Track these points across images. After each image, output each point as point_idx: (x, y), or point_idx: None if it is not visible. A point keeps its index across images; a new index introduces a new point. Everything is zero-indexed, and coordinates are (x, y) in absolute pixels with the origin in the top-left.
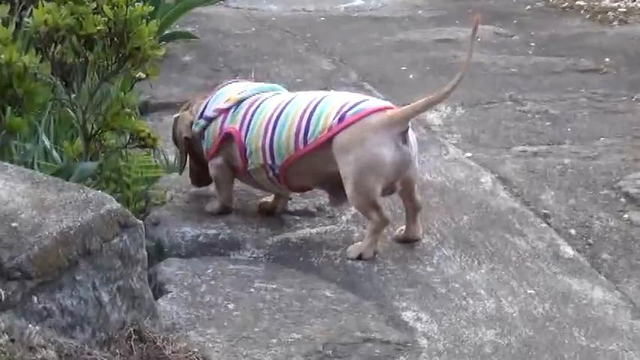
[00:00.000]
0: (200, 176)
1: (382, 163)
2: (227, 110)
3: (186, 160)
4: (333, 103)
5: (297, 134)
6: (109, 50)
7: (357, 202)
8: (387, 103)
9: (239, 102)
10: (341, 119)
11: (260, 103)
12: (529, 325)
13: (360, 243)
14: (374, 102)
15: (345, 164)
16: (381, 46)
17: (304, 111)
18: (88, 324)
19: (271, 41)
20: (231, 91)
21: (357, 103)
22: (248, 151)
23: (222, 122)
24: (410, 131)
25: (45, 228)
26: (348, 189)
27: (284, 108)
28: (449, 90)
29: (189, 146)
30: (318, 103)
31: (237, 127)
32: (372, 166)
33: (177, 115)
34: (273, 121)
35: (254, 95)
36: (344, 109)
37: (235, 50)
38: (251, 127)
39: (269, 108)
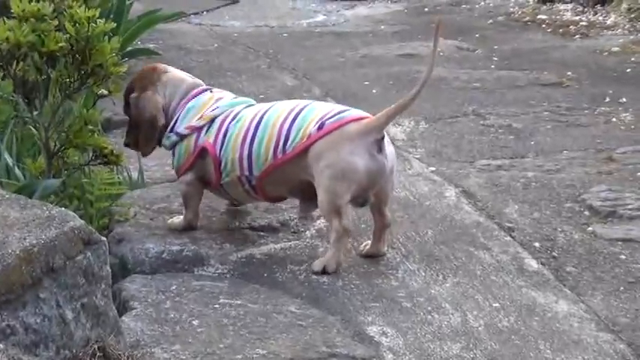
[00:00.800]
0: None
1: (355, 170)
2: (200, 128)
3: (155, 143)
4: (315, 112)
5: (276, 143)
6: (71, 67)
7: (323, 207)
8: (368, 114)
9: (212, 119)
10: (320, 127)
11: (235, 115)
12: (494, 338)
13: (323, 257)
14: (355, 112)
15: (319, 171)
16: (344, 61)
17: (284, 120)
18: (52, 342)
19: (234, 57)
20: (201, 106)
21: (339, 113)
22: (223, 164)
23: (196, 139)
24: (386, 141)
25: (8, 245)
26: (320, 195)
27: (262, 118)
28: (417, 91)
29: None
30: (300, 112)
31: (211, 140)
32: (345, 172)
33: (135, 94)
34: (251, 131)
35: (227, 110)
36: (325, 118)
37: (198, 66)
38: (227, 139)
39: (245, 119)
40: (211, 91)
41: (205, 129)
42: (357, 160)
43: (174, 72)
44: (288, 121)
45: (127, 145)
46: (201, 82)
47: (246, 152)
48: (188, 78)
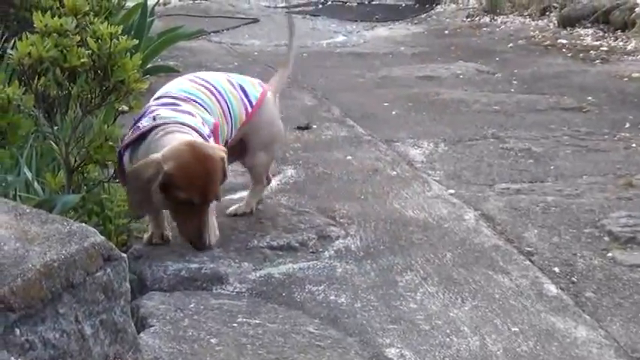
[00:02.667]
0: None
1: (282, 131)
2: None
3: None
4: (243, 78)
5: (244, 104)
6: (93, 83)
7: (262, 163)
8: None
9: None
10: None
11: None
12: None
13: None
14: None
15: (258, 132)
16: (363, 82)
17: (233, 87)
18: (70, 357)
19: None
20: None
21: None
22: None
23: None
24: None
25: (28, 260)
26: (258, 153)
27: (216, 88)
28: (290, 57)
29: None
30: (232, 79)
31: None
32: (279, 134)
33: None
34: (221, 99)
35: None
36: (255, 83)
37: None
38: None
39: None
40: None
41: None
42: (281, 123)
43: None
44: (238, 89)
45: None
46: None
47: (229, 117)
48: None
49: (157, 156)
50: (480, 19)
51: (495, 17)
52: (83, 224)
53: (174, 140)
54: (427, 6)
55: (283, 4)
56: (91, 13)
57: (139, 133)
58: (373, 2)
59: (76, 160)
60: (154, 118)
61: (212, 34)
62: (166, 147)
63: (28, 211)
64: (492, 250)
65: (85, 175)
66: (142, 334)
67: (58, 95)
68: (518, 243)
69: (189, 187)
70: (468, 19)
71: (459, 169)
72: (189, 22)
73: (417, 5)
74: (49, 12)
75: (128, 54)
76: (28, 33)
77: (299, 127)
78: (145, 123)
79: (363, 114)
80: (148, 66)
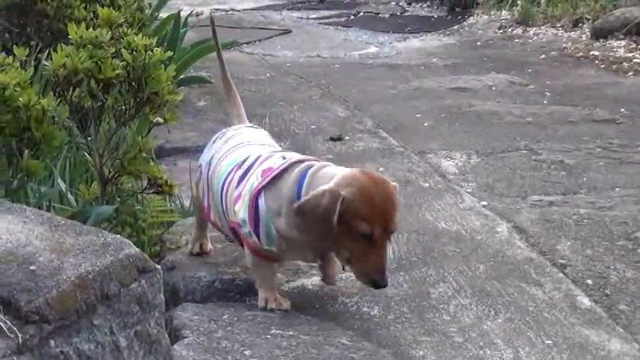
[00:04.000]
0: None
1: None
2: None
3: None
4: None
5: None
6: (127, 95)
7: None
8: None
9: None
10: None
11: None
12: None
13: None
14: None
15: None
16: (396, 93)
17: None
18: None
19: (286, 87)
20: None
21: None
22: None
23: None
24: None
25: (63, 272)
26: None
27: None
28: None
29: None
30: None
31: None
32: None
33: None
34: None
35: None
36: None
37: (250, 96)
38: None
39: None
40: None
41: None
42: None
43: None
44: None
45: None
46: None
47: None
48: None
49: (328, 185)
50: (512, 31)
51: (528, 29)
52: (118, 236)
53: (336, 172)
54: (459, 17)
55: (315, 16)
56: (125, 24)
57: (275, 174)
58: (405, 13)
59: (110, 172)
60: (284, 157)
61: (244, 45)
62: (334, 178)
63: (62, 222)
64: (525, 263)
65: (119, 186)
66: (175, 346)
67: (92, 106)
68: (552, 255)
69: (370, 216)
70: (500, 31)
71: (491, 180)
72: (222, 33)
73: (449, 17)
74: (83, 23)
75: (162, 65)
76: (62, 44)
77: (331, 139)
78: (273, 164)
79: (395, 125)
80: (181, 77)
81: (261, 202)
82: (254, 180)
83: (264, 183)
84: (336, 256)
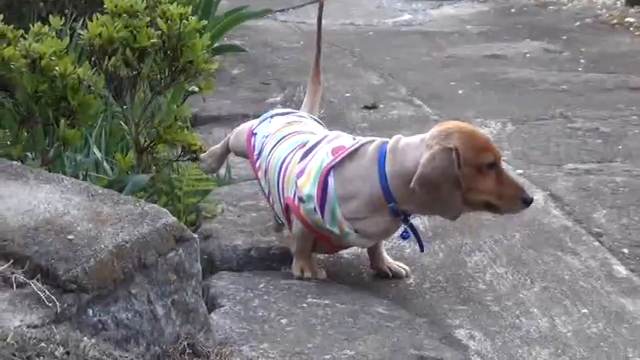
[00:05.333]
0: None
1: None
2: None
3: None
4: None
5: None
6: (162, 64)
7: None
8: None
9: None
10: None
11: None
12: (583, 344)
13: None
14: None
15: None
16: (430, 61)
17: None
18: (142, 337)
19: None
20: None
21: None
22: None
23: None
24: None
25: (101, 241)
26: None
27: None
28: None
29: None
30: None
31: None
32: None
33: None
34: None
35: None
36: None
37: (284, 64)
38: None
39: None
40: None
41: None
42: None
43: None
44: None
45: None
46: None
47: None
48: None
49: (430, 151)
50: None
51: None
52: (155, 205)
53: (415, 139)
54: None
55: None
56: None
57: (346, 154)
58: None
59: (145, 140)
60: (354, 138)
61: (278, 12)
62: (419, 144)
63: (100, 191)
64: (561, 231)
65: (155, 154)
66: (212, 314)
67: (128, 75)
68: (587, 224)
69: (484, 145)
70: None
71: (526, 149)
72: (255, 2)
73: None
74: None
75: (197, 34)
76: (97, 14)
77: (365, 107)
78: (344, 143)
79: (429, 93)
80: (215, 45)
81: (331, 181)
82: (323, 157)
83: (334, 162)
84: (460, 214)
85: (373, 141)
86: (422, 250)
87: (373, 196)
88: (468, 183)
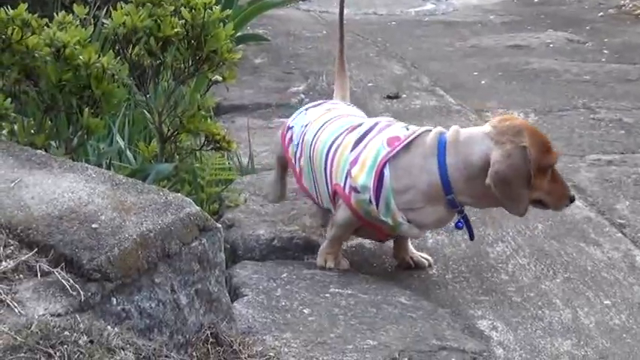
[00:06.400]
0: None
1: None
2: None
3: None
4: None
5: None
6: (186, 53)
7: None
8: None
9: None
10: None
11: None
12: (606, 336)
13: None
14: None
15: None
16: (452, 51)
17: None
18: (165, 326)
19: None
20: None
21: None
22: None
23: None
24: None
25: (125, 230)
26: None
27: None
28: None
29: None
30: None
31: None
32: None
33: (507, 148)
34: None
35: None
36: None
37: (306, 53)
38: None
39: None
40: None
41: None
42: None
43: None
44: None
45: None
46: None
47: None
48: None
49: (504, 147)
50: None
51: None
52: (179, 194)
53: (475, 131)
54: None
55: None
56: None
57: (402, 145)
58: None
59: (168, 129)
60: (407, 128)
61: (300, 2)
62: (483, 137)
63: (124, 180)
64: (584, 222)
65: (178, 144)
66: (235, 304)
67: (151, 64)
68: (610, 215)
69: (548, 145)
70: None
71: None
72: None
73: None
74: None
75: (221, 24)
76: (121, 2)
77: (388, 97)
78: (399, 133)
79: (452, 83)
80: (238, 34)
81: (387, 173)
82: (379, 146)
83: (392, 154)
84: (526, 211)
85: (429, 131)
86: (472, 239)
87: (431, 187)
88: (536, 180)
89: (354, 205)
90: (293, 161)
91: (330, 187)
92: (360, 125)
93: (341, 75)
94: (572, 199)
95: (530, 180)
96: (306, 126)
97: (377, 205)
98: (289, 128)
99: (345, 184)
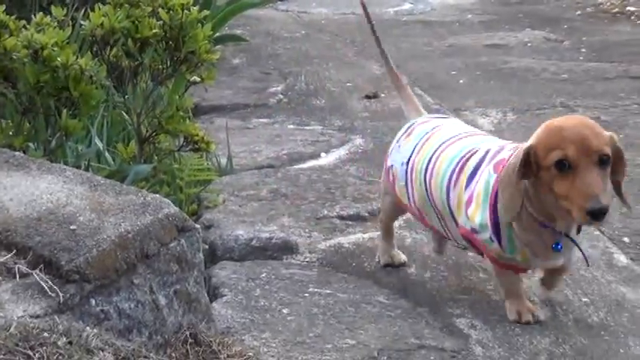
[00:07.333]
0: None
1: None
2: None
3: None
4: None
5: None
6: (164, 54)
7: None
8: None
9: None
10: None
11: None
12: (584, 333)
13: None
14: None
15: None
16: (431, 50)
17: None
18: (145, 327)
19: (321, 45)
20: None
21: None
22: None
23: None
24: None
25: (103, 231)
26: None
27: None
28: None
29: None
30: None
31: None
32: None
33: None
34: None
35: None
36: None
37: (285, 53)
38: None
39: None
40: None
41: None
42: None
43: None
44: None
45: None
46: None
47: None
48: None
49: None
50: None
51: None
52: (157, 195)
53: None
54: None
55: None
56: None
57: None
58: None
59: (147, 130)
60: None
61: (279, 2)
62: None
63: (102, 182)
64: None
65: (156, 145)
66: (214, 304)
67: (130, 66)
68: None
69: (558, 142)
70: None
71: (527, 138)
72: None
73: None
74: None
75: (199, 24)
76: (99, 4)
77: (367, 96)
78: (505, 156)
79: (430, 83)
80: (216, 35)
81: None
82: (487, 177)
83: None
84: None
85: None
86: (587, 265)
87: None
88: (541, 182)
89: (486, 250)
90: (407, 202)
91: (457, 227)
92: (471, 156)
93: (401, 90)
94: (593, 215)
95: (518, 178)
96: (408, 162)
97: (499, 242)
98: (390, 167)
99: (467, 226)
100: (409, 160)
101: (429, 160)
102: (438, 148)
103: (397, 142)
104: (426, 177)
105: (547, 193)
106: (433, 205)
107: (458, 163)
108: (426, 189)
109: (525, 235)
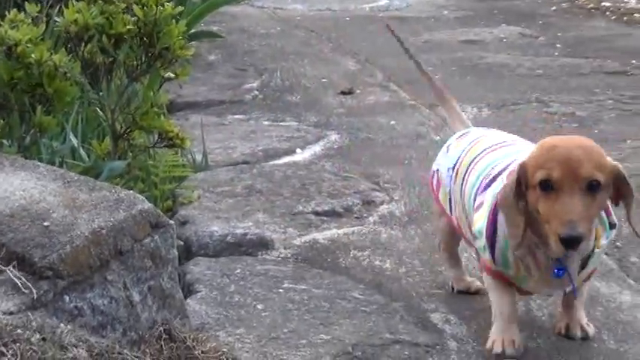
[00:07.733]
0: None
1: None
2: None
3: None
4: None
5: None
6: (138, 50)
7: None
8: None
9: None
10: None
11: None
12: None
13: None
14: None
15: None
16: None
17: None
18: (119, 323)
19: (296, 41)
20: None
21: None
22: None
23: None
24: None
25: (77, 227)
26: None
27: None
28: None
29: None
30: None
31: None
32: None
33: None
34: None
35: None
36: None
37: (261, 50)
38: None
39: None
40: None
41: None
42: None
43: None
44: None
45: None
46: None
47: None
48: None
49: None
50: None
51: None
52: (131, 191)
53: None
54: None
55: None
56: None
57: None
58: None
59: (121, 127)
60: None
61: None
62: None
63: (76, 178)
64: None
65: (131, 141)
66: (188, 300)
67: (104, 62)
68: None
69: (545, 161)
70: None
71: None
72: None
73: None
74: None
75: (173, 20)
76: (74, 0)
77: (342, 92)
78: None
79: (406, 78)
80: (191, 31)
81: (501, 217)
82: (497, 187)
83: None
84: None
85: None
86: (574, 295)
87: None
88: (532, 201)
89: (482, 258)
90: (447, 210)
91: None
92: (495, 165)
93: (446, 103)
94: (564, 242)
95: (515, 200)
96: (454, 167)
97: (492, 253)
98: (435, 171)
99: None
100: (454, 166)
101: (468, 167)
102: (475, 158)
103: (447, 146)
104: (463, 184)
105: (536, 214)
106: (466, 213)
107: (485, 173)
108: (461, 195)
109: (520, 250)
